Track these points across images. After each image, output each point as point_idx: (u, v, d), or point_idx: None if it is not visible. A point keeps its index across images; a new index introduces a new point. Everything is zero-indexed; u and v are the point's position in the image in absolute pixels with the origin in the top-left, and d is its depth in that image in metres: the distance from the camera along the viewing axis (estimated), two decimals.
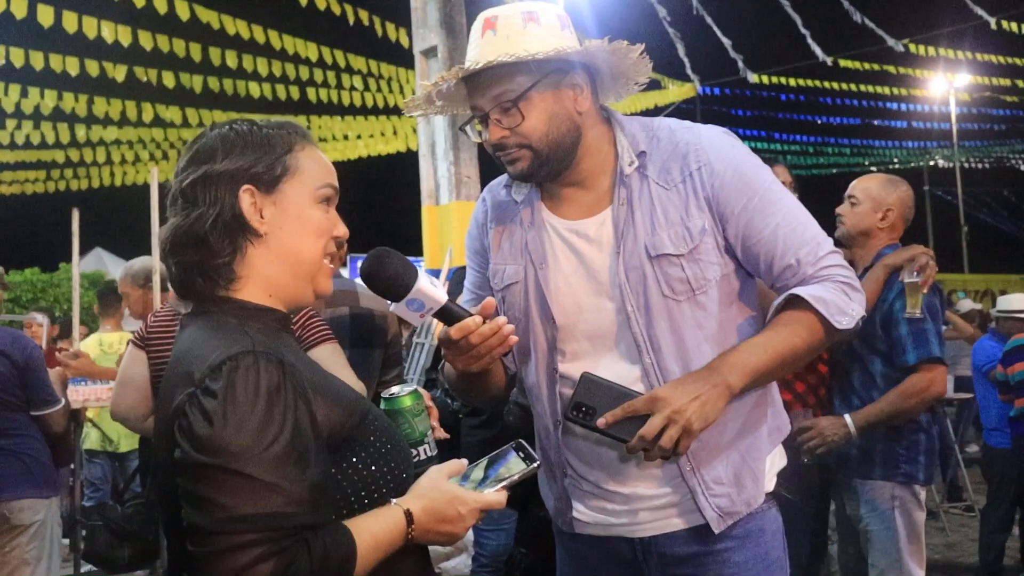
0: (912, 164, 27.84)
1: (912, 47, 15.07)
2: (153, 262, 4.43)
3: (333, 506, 1.26)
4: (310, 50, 9.39)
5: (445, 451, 3.66)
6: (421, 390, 1.62)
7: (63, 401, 3.87)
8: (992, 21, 12.91)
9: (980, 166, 29.00)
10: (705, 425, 1.57)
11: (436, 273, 6.57)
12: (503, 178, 1.96)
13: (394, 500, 1.30)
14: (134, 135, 12.12)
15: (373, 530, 1.25)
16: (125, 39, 8.11)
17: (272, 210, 1.35)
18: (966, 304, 9.42)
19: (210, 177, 1.32)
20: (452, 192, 6.86)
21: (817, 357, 3.13)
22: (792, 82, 17.39)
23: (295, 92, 10.72)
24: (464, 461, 1.42)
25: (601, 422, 1.59)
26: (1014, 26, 13.04)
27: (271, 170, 1.35)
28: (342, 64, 9.98)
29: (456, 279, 3.27)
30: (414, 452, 1.50)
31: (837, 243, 3.06)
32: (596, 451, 1.80)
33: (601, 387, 1.62)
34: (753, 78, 16.05)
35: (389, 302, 1.58)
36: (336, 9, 8.36)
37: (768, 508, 1.81)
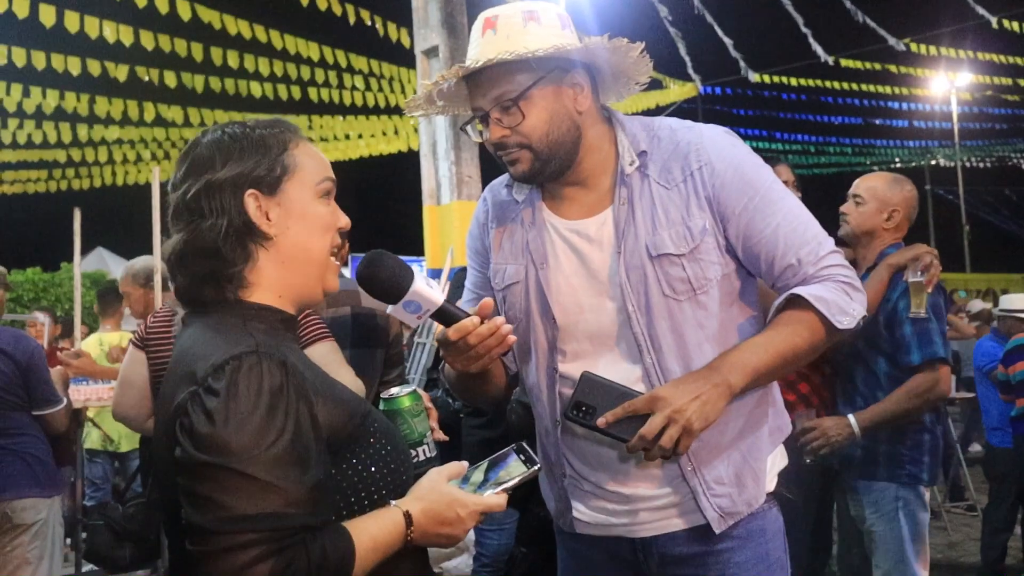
0: (914, 163, 27.83)
1: (913, 46, 15.06)
2: (154, 261, 4.43)
3: (332, 507, 1.26)
4: (311, 50, 9.39)
5: (446, 451, 3.67)
6: (420, 391, 1.62)
7: (65, 401, 3.87)
8: (993, 20, 12.90)
9: (982, 165, 28.97)
10: (705, 425, 1.57)
11: (438, 273, 6.57)
12: (504, 178, 1.96)
13: (394, 502, 1.30)
14: (136, 135, 12.13)
15: (372, 531, 1.25)
16: (127, 39, 8.12)
17: (277, 211, 1.35)
18: (977, 304, 9.41)
19: (212, 186, 1.32)
20: (453, 192, 6.86)
21: (821, 358, 3.13)
22: (793, 81, 17.39)
23: (296, 92, 10.72)
24: (464, 463, 1.42)
25: (601, 421, 1.59)
26: (1015, 25, 13.03)
27: (272, 171, 1.35)
28: (343, 64, 9.99)
29: (457, 280, 3.26)
30: (413, 453, 1.50)
31: (840, 242, 3.06)
32: (596, 451, 1.80)
33: (601, 386, 1.62)
34: (754, 77, 16.04)
35: (388, 306, 1.58)
36: (337, 9, 8.36)
37: (769, 508, 1.81)
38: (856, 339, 3.00)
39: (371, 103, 11.11)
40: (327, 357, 2.34)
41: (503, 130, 1.73)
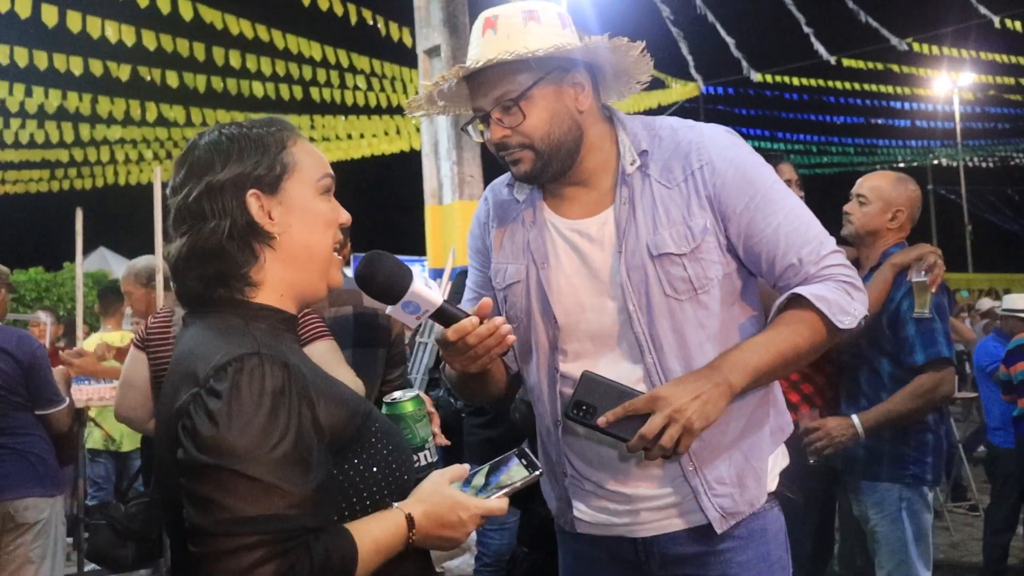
0: (916, 163, 27.80)
1: (916, 46, 15.04)
2: (156, 261, 4.43)
3: (334, 508, 1.26)
4: (313, 49, 9.39)
5: (448, 450, 3.66)
6: (423, 396, 1.62)
7: (67, 400, 3.88)
8: (996, 20, 12.89)
9: (984, 165, 28.94)
10: (706, 424, 1.56)
11: (439, 272, 6.57)
12: (505, 177, 1.96)
13: (396, 504, 1.30)
14: (138, 134, 12.14)
15: (375, 533, 1.25)
16: (129, 39, 8.12)
17: (279, 210, 1.35)
18: (986, 302, 9.41)
19: (213, 188, 1.31)
20: (455, 191, 6.86)
21: (824, 358, 3.12)
22: (796, 81, 17.39)
23: (298, 92, 10.73)
24: (466, 466, 1.42)
25: (601, 421, 1.58)
26: (1018, 25, 13.02)
27: (272, 170, 1.34)
28: (345, 64, 9.98)
29: (459, 280, 3.26)
30: (415, 458, 1.50)
31: (843, 242, 3.05)
32: (597, 451, 1.80)
33: (602, 386, 1.61)
34: (757, 77, 16.03)
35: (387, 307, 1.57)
36: (339, 9, 8.36)
37: (770, 508, 1.81)
38: (859, 339, 2.99)
39: (373, 103, 11.11)
40: (326, 356, 2.34)
41: (504, 130, 1.73)
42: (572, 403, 1.62)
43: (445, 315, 1.58)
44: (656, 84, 16.70)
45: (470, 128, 1.84)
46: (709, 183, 1.73)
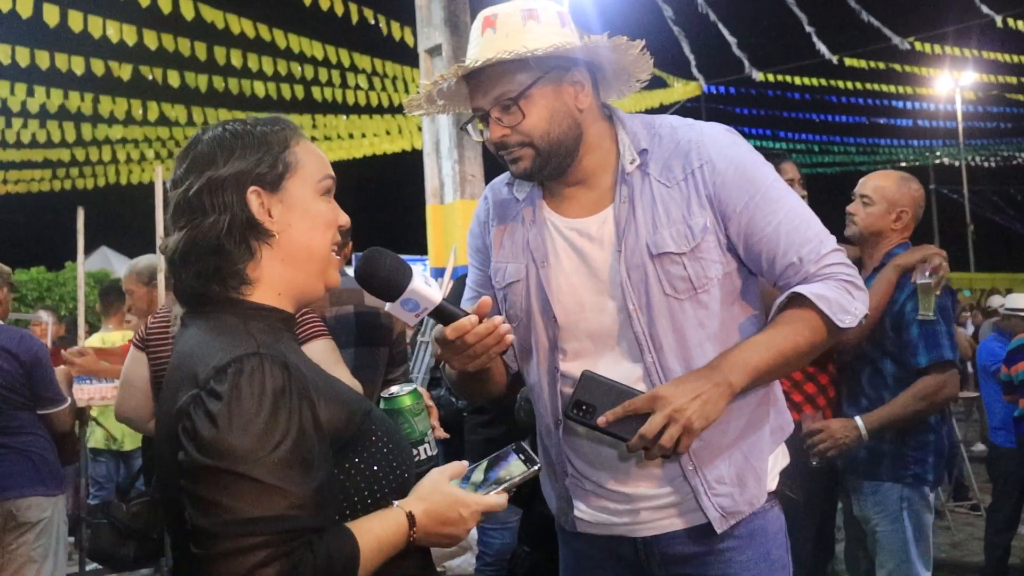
0: (918, 162, 27.78)
1: (918, 45, 15.03)
2: (158, 260, 4.43)
3: (336, 507, 1.26)
4: (315, 49, 9.39)
5: (449, 449, 3.66)
6: (421, 389, 1.62)
7: (69, 400, 3.88)
8: (998, 19, 12.87)
9: (986, 164, 28.93)
10: (706, 424, 1.56)
11: (441, 272, 6.56)
12: (505, 176, 1.96)
13: (396, 502, 1.31)
14: (139, 134, 12.15)
15: (376, 532, 1.25)
16: (130, 38, 8.12)
17: (280, 208, 1.35)
18: (996, 300, 9.37)
19: (215, 183, 1.31)
20: (456, 191, 6.85)
21: (827, 358, 3.12)
22: (797, 80, 17.36)
23: (300, 91, 10.73)
24: (465, 463, 1.42)
25: (601, 420, 1.58)
26: (1020, 24, 13.01)
27: (274, 169, 1.34)
28: (346, 63, 9.98)
29: (459, 283, 3.26)
30: (414, 452, 1.50)
31: (846, 241, 3.04)
32: (597, 450, 1.80)
33: (602, 385, 1.61)
34: (758, 76, 16.00)
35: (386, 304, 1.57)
36: (340, 8, 8.36)
37: (771, 508, 1.81)
38: (863, 340, 2.99)
39: (374, 102, 11.11)
40: (323, 355, 2.33)
41: (503, 129, 1.73)
42: (572, 403, 1.62)
43: (444, 313, 1.57)
44: (658, 83, 16.70)
45: (469, 127, 1.84)
46: (709, 182, 1.73)
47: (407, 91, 11.11)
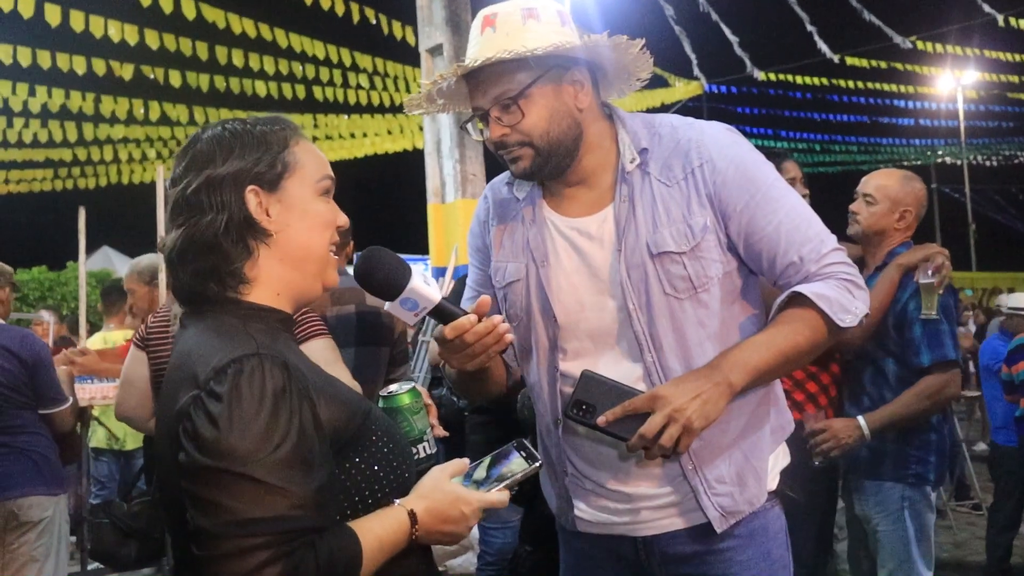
0: (920, 162, 27.75)
1: (919, 44, 15.00)
2: (159, 259, 4.43)
3: (337, 507, 1.26)
4: (316, 48, 9.39)
5: (451, 449, 3.65)
6: (419, 387, 1.62)
7: (71, 399, 3.88)
8: (1000, 18, 12.85)
9: (988, 163, 28.90)
10: (706, 424, 1.56)
11: (442, 271, 6.56)
12: (505, 175, 1.96)
13: (397, 501, 1.30)
14: (141, 133, 12.16)
15: (377, 531, 1.25)
16: (132, 38, 8.13)
17: (278, 208, 1.35)
18: (1003, 299, 9.38)
19: (213, 181, 1.31)
20: (458, 190, 6.85)
21: (830, 358, 3.12)
22: (799, 80, 17.34)
23: (301, 91, 10.74)
24: (466, 460, 1.42)
25: (601, 420, 1.58)
26: (1022, 23, 12.98)
27: (272, 168, 1.35)
28: (348, 62, 9.98)
29: (460, 284, 3.26)
30: (414, 450, 1.50)
31: (849, 240, 3.03)
32: (597, 450, 1.80)
33: (601, 385, 1.61)
34: (760, 76, 15.99)
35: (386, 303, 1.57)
36: (341, 8, 8.36)
37: (771, 507, 1.81)
38: (865, 340, 2.98)
39: (375, 102, 11.11)
40: (322, 353, 2.32)
41: (503, 128, 1.73)
42: (572, 402, 1.61)
43: (443, 312, 1.57)
44: (659, 83, 16.69)
45: (469, 126, 1.84)
46: (709, 181, 1.73)
47: (408, 90, 11.11)
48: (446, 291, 5.20)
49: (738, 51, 14.68)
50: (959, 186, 28.51)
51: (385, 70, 11.01)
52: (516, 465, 1.41)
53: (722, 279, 1.74)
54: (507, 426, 3.39)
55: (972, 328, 12.71)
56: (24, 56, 7.95)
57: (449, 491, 1.33)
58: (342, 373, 2.25)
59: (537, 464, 1.42)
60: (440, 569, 5.13)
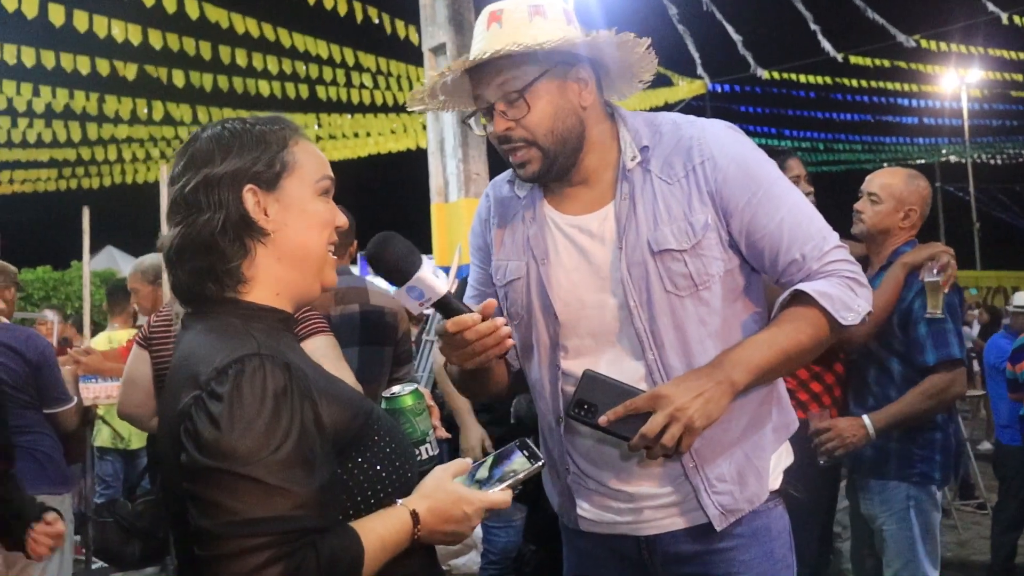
0: (924, 160, 27.70)
1: (923, 43, 14.96)
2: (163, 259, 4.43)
3: (339, 507, 1.26)
4: (319, 48, 9.39)
5: (453, 448, 3.65)
6: (422, 389, 1.62)
7: (75, 399, 3.89)
8: (1004, 16, 12.82)
9: (992, 162, 28.83)
10: (708, 423, 1.56)
11: (445, 271, 6.55)
12: (506, 174, 1.96)
13: (400, 500, 1.30)
14: (144, 133, 12.17)
15: (380, 531, 1.25)
16: (135, 38, 8.14)
17: (276, 207, 1.34)
18: (1020, 297, 9.37)
19: (211, 180, 1.31)
20: (461, 189, 6.85)
21: (834, 357, 3.11)
22: (803, 79, 17.31)
23: (304, 90, 10.75)
24: (468, 460, 1.42)
25: (603, 420, 1.58)
26: None
27: (271, 167, 1.34)
28: (351, 62, 9.98)
29: (466, 280, 3.26)
30: (416, 451, 1.50)
31: (853, 239, 3.03)
32: (599, 449, 1.79)
33: (603, 384, 1.61)
34: (764, 75, 15.98)
35: (392, 288, 1.58)
36: (344, 7, 8.36)
37: (774, 507, 1.80)
38: (870, 340, 2.98)
39: (379, 101, 11.11)
40: (323, 351, 2.32)
41: (508, 122, 1.72)
42: (574, 402, 1.61)
43: (448, 306, 1.58)
44: (663, 82, 16.67)
45: (472, 121, 1.83)
46: (711, 178, 1.73)
47: (411, 90, 11.09)
48: (451, 290, 5.19)
49: (742, 50, 14.66)
50: (963, 185, 28.43)
51: (388, 69, 11.01)
52: (519, 465, 1.41)
53: (723, 277, 1.74)
54: (509, 426, 3.40)
55: (976, 329, 12.67)
56: (28, 56, 7.96)
57: (451, 491, 1.33)
58: (343, 371, 2.25)
59: (540, 464, 1.41)
60: (444, 568, 5.13)
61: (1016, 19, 12.92)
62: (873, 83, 18.76)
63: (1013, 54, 16.69)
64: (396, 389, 1.57)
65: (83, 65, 8.38)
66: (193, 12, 7.84)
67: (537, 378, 1.87)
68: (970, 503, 7.12)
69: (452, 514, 1.32)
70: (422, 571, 1.36)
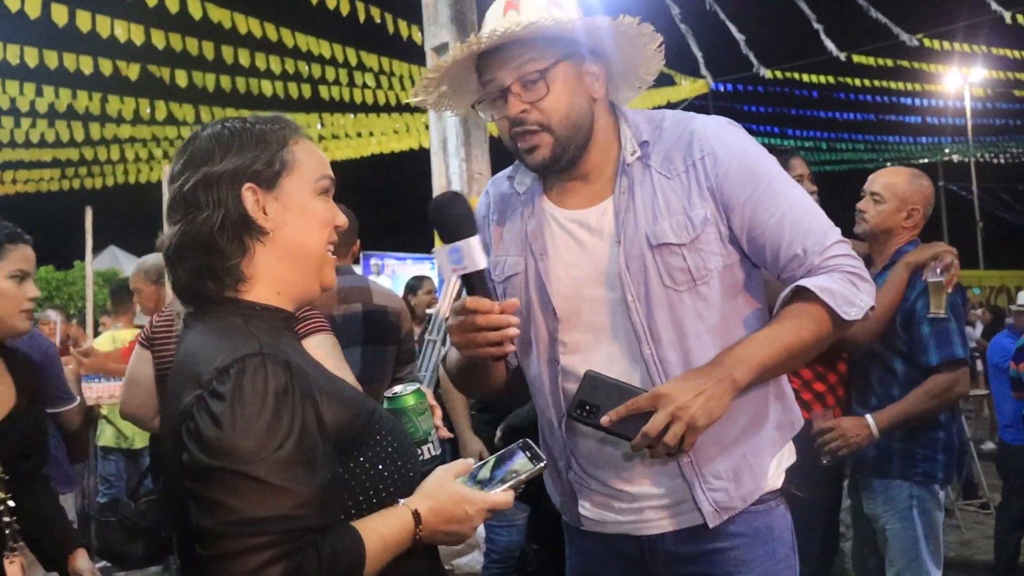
0: (927, 159, 27.64)
1: (927, 42, 14.93)
2: None
3: (341, 506, 1.26)
4: (322, 48, 9.39)
5: (455, 447, 3.64)
6: (424, 388, 1.62)
7: (78, 398, 3.89)
8: (1007, 15, 12.79)
9: (995, 161, 28.76)
10: (710, 421, 1.55)
11: None
12: (507, 170, 1.96)
13: (402, 500, 1.31)
14: (147, 133, 12.17)
15: (381, 531, 1.25)
16: (138, 38, 8.14)
17: (275, 206, 1.35)
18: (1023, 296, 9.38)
19: (210, 179, 1.32)
20: (464, 189, 6.85)
21: (837, 357, 3.11)
22: (805, 78, 17.28)
23: (307, 90, 10.73)
24: (470, 461, 1.43)
25: (605, 420, 1.58)
26: None
27: (270, 166, 1.35)
28: (354, 62, 9.97)
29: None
30: (418, 451, 1.50)
31: (856, 238, 3.02)
32: (601, 450, 1.79)
33: (605, 385, 1.61)
34: (766, 74, 15.95)
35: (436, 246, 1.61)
36: (347, 7, 8.36)
37: (776, 506, 1.80)
38: (874, 340, 2.97)
39: (382, 101, 11.09)
40: (324, 349, 2.32)
41: (523, 104, 1.71)
42: (575, 403, 1.61)
43: (477, 282, 1.60)
44: (665, 81, 16.64)
45: (479, 107, 1.81)
46: (711, 173, 1.72)
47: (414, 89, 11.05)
48: (453, 291, 5.19)
49: (744, 49, 14.63)
50: (967, 184, 28.39)
51: (391, 69, 10.99)
52: (520, 465, 1.41)
53: (722, 272, 1.73)
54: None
55: (979, 328, 12.64)
56: (31, 56, 7.96)
57: (453, 491, 1.33)
58: (343, 369, 2.25)
59: (542, 464, 1.41)
60: (446, 568, 5.13)
61: (1019, 18, 12.88)
62: (876, 82, 18.73)
63: (1016, 53, 16.65)
64: (398, 389, 1.57)
65: (86, 65, 8.38)
66: (196, 12, 7.83)
67: (536, 374, 1.87)
68: (973, 503, 7.11)
69: (454, 514, 1.32)
70: (424, 571, 1.36)
